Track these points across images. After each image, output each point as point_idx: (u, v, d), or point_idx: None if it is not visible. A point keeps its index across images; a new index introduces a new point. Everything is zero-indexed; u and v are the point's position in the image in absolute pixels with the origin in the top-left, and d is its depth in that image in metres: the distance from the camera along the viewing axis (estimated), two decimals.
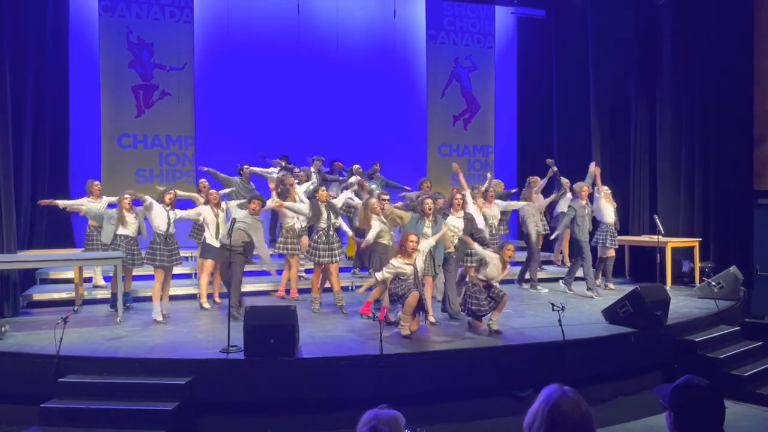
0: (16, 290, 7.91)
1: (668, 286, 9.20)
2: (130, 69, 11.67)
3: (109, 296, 8.28)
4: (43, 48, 9.91)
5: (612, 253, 9.50)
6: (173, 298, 8.83)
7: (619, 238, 10.58)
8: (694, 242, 9.87)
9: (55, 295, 8.70)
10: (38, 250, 9.43)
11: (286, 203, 8.27)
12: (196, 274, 9.89)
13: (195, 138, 12.02)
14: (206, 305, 8.27)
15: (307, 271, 9.66)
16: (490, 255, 6.89)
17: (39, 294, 8.69)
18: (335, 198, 8.94)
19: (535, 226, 9.68)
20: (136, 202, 7.89)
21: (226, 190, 9.88)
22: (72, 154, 11.12)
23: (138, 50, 11.71)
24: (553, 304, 6.15)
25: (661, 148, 10.60)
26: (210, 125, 12.31)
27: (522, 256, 9.89)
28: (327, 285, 8.38)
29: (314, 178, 10.10)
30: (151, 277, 8.70)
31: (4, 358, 5.83)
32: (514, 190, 11.32)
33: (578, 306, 8.24)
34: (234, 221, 7.28)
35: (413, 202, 8.64)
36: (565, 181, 10.40)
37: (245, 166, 10.42)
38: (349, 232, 8.82)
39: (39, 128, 9.71)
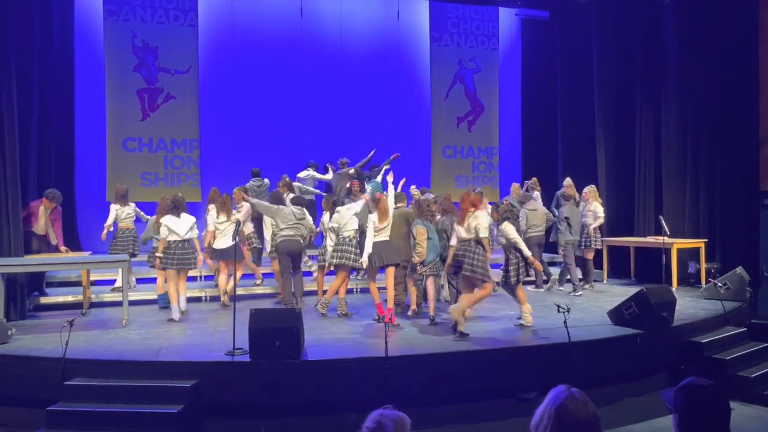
0: (23, 293, 7.94)
1: (674, 288, 9.17)
2: (134, 72, 11.71)
3: (118, 299, 8.28)
4: (48, 52, 9.94)
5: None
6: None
7: (625, 239, 10.63)
8: (699, 243, 9.83)
9: (61, 299, 8.73)
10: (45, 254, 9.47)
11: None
12: (207, 276, 9.94)
13: (200, 141, 12.05)
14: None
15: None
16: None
17: (45, 297, 8.72)
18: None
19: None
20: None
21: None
22: (77, 157, 11.16)
23: (143, 54, 11.75)
24: (558, 306, 6.14)
25: (666, 148, 10.57)
26: (215, 128, 12.34)
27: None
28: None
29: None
30: (150, 281, 9.09)
31: (10, 361, 5.85)
32: None
33: (583, 308, 8.23)
34: (239, 223, 7.42)
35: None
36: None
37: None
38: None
39: (44, 132, 9.73)
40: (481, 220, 6.76)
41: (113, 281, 9.34)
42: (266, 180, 11.05)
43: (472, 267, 6.64)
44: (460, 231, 6.89)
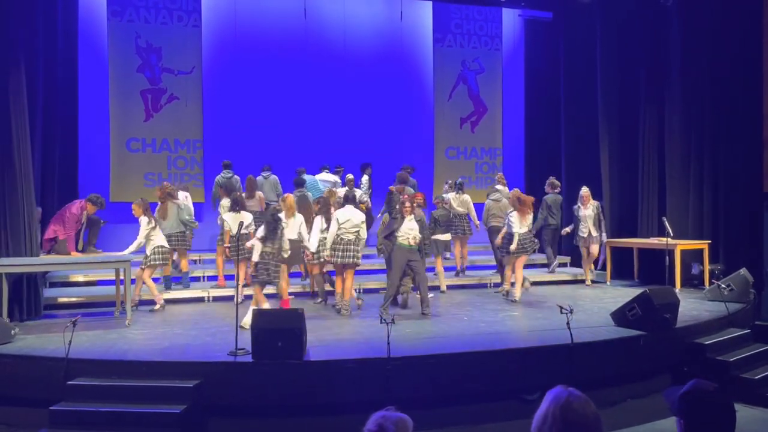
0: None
1: (677, 289, 9.14)
2: (138, 73, 11.73)
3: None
4: (52, 53, 9.95)
5: None
6: (182, 301, 8.88)
7: (628, 240, 10.63)
8: (703, 244, 9.80)
9: (65, 299, 8.74)
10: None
11: None
12: (210, 277, 9.92)
13: (203, 141, 12.07)
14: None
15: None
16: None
17: (48, 297, 8.73)
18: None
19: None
20: None
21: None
22: (81, 158, 11.18)
23: (146, 54, 11.77)
24: (561, 307, 6.13)
25: (670, 149, 10.54)
26: (218, 128, 12.36)
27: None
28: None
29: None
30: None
31: (13, 361, 5.86)
32: None
33: (587, 309, 8.22)
34: (242, 225, 7.47)
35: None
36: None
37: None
38: None
39: (48, 132, 9.75)
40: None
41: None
42: (236, 176, 10.89)
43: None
44: (523, 225, 8.81)
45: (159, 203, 9.16)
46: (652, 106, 10.85)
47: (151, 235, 8.25)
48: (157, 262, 8.26)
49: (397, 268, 7.93)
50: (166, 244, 8.43)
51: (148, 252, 8.28)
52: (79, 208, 8.83)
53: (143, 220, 8.29)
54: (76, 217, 8.76)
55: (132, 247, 8.18)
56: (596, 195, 11.28)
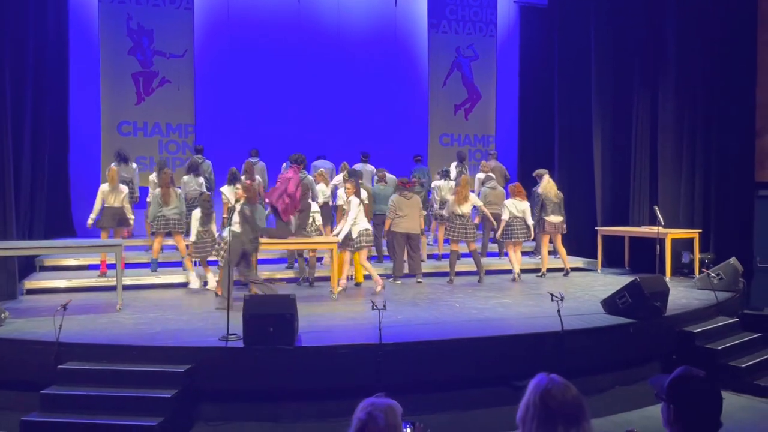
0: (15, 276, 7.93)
1: (668, 277, 9.21)
2: (129, 56, 11.63)
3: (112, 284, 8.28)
4: (43, 35, 9.83)
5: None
6: (174, 286, 8.87)
7: (619, 228, 10.66)
8: (694, 233, 9.85)
9: (54, 283, 8.69)
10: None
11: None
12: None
13: (195, 126, 12.00)
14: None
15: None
16: None
17: (38, 281, 8.69)
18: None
19: None
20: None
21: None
22: (72, 141, 11.11)
23: (138, 37, 11.66)
24: (552, 294, 6.16)
25: (663, 138, 10.56)
26: (210, 113, 12.29)
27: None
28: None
29: None
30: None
31: (4, 344, 5.84)
32: None
33: (577, 296, 8.26)
34: (233, 209, 7.43)
35: None
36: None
37: None
38: None
39: (39, 115, 9.65)
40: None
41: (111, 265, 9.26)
42: (207, 161, 10.82)
43: None
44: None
45: (162, 189, 9.14)
46: (646, 93, 10.85)
47: (357, 218, 8.35)
48: (363, 244, 8.42)
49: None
50: (370, 227, 8.63)
51: (354, 235, 8.36)
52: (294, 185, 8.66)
53: (354, 201, 8.37)
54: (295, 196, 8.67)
55: (345, 229, 8.32)
56: (588, 182, 11.33)
